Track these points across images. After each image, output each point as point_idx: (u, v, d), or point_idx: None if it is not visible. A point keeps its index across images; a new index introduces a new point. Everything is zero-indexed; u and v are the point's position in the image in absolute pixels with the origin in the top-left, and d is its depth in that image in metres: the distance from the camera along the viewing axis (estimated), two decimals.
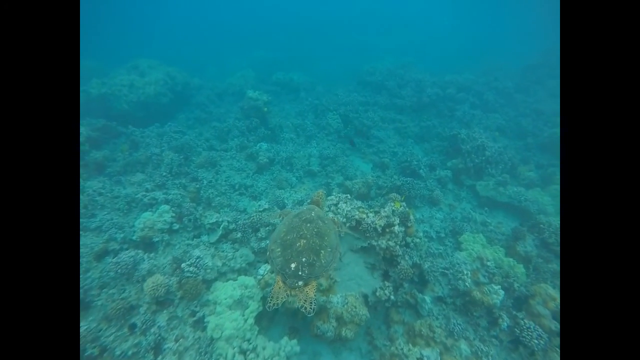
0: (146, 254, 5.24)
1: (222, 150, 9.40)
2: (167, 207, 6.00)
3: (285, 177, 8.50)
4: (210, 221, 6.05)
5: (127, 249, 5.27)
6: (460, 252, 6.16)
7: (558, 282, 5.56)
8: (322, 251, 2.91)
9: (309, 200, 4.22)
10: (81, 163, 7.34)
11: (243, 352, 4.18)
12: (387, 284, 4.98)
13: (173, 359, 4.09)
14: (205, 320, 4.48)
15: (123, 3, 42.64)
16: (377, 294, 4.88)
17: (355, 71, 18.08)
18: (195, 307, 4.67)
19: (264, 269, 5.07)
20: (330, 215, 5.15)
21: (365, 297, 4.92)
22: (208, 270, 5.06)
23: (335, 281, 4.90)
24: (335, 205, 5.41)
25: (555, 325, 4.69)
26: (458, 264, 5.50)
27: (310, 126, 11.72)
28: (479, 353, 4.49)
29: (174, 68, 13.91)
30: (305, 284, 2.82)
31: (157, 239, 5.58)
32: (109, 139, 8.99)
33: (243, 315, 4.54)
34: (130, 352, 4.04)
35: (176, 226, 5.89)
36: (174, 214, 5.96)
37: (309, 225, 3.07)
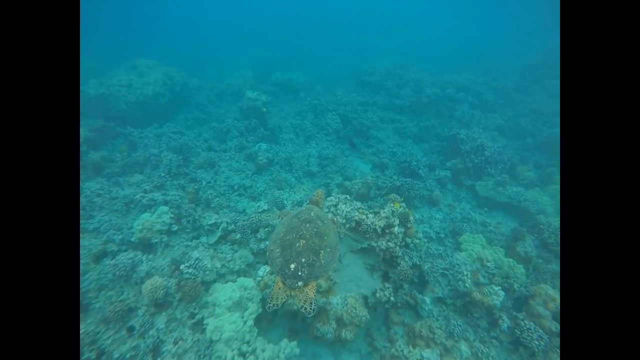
0: (145, 255, 5.22)
1: (221, 151, 9.37)
2: (165, 208, 5.97)
3: (285, 177, 8.48)
4: (209, 222, 6.02)
5: (125, 251, 5.24)
6: (460, 253, 6.15)
7: (558, 283, 5.56)
8: (322, 251, 2.91)
9: (308, 201, 4.20)
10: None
11: (242, 355, 4.15)
12: (387, 285, 4.96)
13: None
14: (204, 322, 4.46)
15: (122, 3, 42.55)
16: (377, 295, 4.86)
17: (354, 71, 18.05)
18: (194, 309, 4.65)
19: (263, 270, 5.04)
20: (330, 216, 5.13)
21: (365, 298, 4.90)
22: (207, 272, 5.03)
23: (335, 282, 4.88)
24: (335, 206, 5.39)
25: (556, 326, 4.69)
26: (458, 264, 5.49)
27: (310, 126, 11.69)
28: (480, 354, 4.48)
29: (173, 68, 13.86)
30: (305, 285, 2.82)
31: (155, 241, 5.54)
32: (107, 139, 8.95)
33: (242, 317, 4.52)
34: (128, 355, 4.01)
35: (175, 227, 5.86)
36: (172, 215, 5.93)
37: (308, 225, 3.06)
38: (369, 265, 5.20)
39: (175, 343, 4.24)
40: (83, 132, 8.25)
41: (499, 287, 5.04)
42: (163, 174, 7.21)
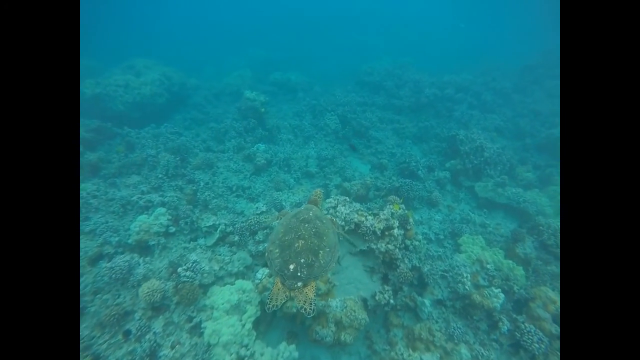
0: (142, 258, 5.15)
1: (219, 152, 9.31)
2: (163, 209, 5.91)
3: (283, 178, 8.43)
4: (207, 224, 5.96)
5: (122, 253, 5.18)
6: (460, 255, 6.13)
7: (558, 285, 5.54)
8: (321, 251, 2.88)
9: (307, 201, 4.16)
10: None
11: (241, 359, 4.11)
12: (386, 287, 4.93)
13: None
14: (202, 325, 4.40)
15: (121, 2, 42.31)
16: (377, 297, 4.82)
17: (353, 71, 18.02)
18: (192, 312, 4.59)
19: (262, 272, 5.00)
20: (329, 217, 5.09)
21: (364, 301, 4.86)
22: (205, 275, 4.98)
23: (334, 285, 4.85)
24: (334, 208, 5.34)
25: (556, 329, 4.67)
26: (457, 266, 5.47)
27: (308, 127, 11.65)
28: (480, 357, 4.45)
29: (171, 68, 13.77)
30: (305, 285, 2.79)
31: (153, 243, 5.49)
32: (103, 140, 8.86)
33: (241, 321, 4.47)
34: None
35: (172, 229, 5.80)
36: (170, 217, 5.87)
37: (306, 225, 3.04)
38: (369, 267, 5.17)
39: (172, 347, 4.18)
40: (79, 132, 8.16)
41: (499, 290, 5.02)
42: (160, 175, 7.15)
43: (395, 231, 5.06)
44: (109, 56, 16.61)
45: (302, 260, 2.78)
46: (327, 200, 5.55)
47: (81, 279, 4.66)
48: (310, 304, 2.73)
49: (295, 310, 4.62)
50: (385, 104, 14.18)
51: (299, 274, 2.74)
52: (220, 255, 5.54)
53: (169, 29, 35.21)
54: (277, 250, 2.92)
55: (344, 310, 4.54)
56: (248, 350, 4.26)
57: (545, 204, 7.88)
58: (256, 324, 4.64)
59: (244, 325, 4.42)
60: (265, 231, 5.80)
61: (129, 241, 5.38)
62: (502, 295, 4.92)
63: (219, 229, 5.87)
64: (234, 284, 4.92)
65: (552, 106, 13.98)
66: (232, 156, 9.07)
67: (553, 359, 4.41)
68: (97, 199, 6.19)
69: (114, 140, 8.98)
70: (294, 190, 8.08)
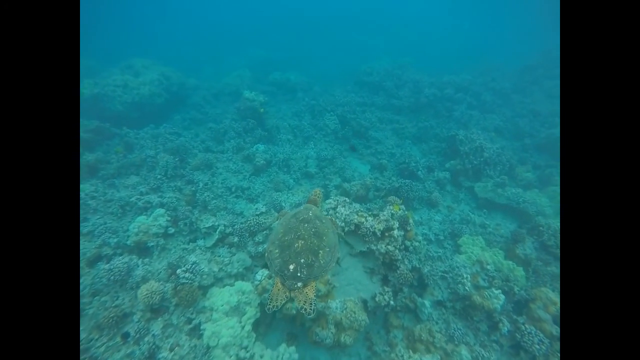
0: (140, 259, 5.13)
1: (218, 152, 9.28)
2: (162, 210, 5.88)
3: (283, 179, 8.41)
4: (207, 225, 5.94)
5: (120, 255, 5.15)
6: (460, 255, 6.12)
7: (558, 286, 5.53)
8: (321, 251, 2.88)
9: (306, 201, 4.15)
10: None
11: None
12: (386, 289, 4.91)
13: None
14: (202, 327, 4.38)
15: (121, 2, 42.18)
16: (377, 299, 4.80)
17: (353, 71, 18.00)
18: (191, 314, 4.57)
19: (262, 274, 4.97)
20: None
21: (364, 302, 4.84)
22: (204, 276, 4.95)
23: (334, 286, 4.82)
24: (334, 209, 5.32)
25: (557, 330, 4.65)
26: (457, 267, 5.45)
27: (308, 127, 11.62)
28: (480, 359, 4.44)
29: (169, 68, 13.73)
30: (305, 285, 2.80)
31: (152, 244, 5.46)
32: (102, 140, 8.82)
33: (240, 322, 4.45)
34: None
35: (171, 230, 5.78)
36: (169, 218, 5.84)
37: (306, 225, 3.03)
38: (369, 268, 5.15)
39: (171, 349, 4.15)
40: (79, 133, 8.13)
41: (500, 291, 5.00)
42: (159, 176, 7.12)
43: (395, 232, 5.04)
44: (106, 56, 16.56)
45: (302, 261, 2.78)
46: (327, 201, 5.53)
47: (79, 281, 4.62)
48: (311, 304, 2.74)
49: (294, 312, 4.60)
50: (384, 104, 14.17)
51: (298, 274, 2.74)
52: (219, 256, 5.51)
53: (168, 29, 35.14)
54: (276, 251, 2.91)
55: (344, 311, 4.52)
56: (248, 352, 4.24)
57: (545, 204, 7.88)
58: (256, 325, 4.62)
59: (243, 327, 4.40)
60: (264, 232, 5.77)
61: (128, 242, 5.36)
62: (502, 297, 4.91)
63: (218, 230, 5.84)
64: (234, 285, 4.90)
65: (551, 106, 13.99)
66: (231, 157, 9.04)
67: None
68: (96, 200, 6.16)
69: (113, 141, 8.95)
70: (294, 191, 8.06)
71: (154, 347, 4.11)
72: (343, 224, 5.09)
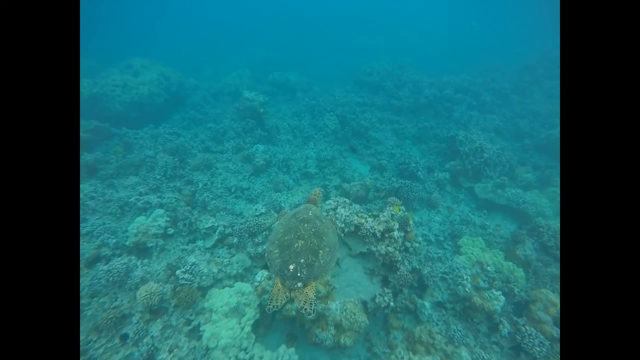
0: (139, 260, 5.11)
1: (217, 152, 9.25)
2: (161, 211, 5.86)
3: (282, 179, 8.39)
4: (206, 226, 5.92)
5: (119, 255, 5.12)
6: (460, 256, 6.10)
7: (558, 287, 5.52)
8: (321, 251, 2.88)
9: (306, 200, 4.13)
10: None
11: None
12: (386, 290, 4.89)
13: None
14: (201, 329, 4.36)
15: (121, 1, 42.09)
16: (377, 300, 4.79)
17: (353, 71, 17.97)
18: (190, 315, 4.55)
19: (261, 275, 4.96)
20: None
21: (364, 303, 4.83)
22: (203, 277, 4.93)
23: (334, 287, 4.81)
24: (334, 210, 5.31)
25: (557, 332, 4.64)
26: (457, 268, 5.44)
27: (307, 127, 11.60)
28: None
29: (169, 68, 13.68)
30: (305, 285, 2.80)
31: (151, 245, 5.44)
32: (101, 140, 8.79)
33: (239, 324, 4.44)
34: None
35: (171, 231, 5.75)
36: (168, 219, 5.82)
37: (306, 225, 3.03)
38: (368, 269, 5.13)
39: (170, 351, 4.14)
40: (79, 133, 8.09)
41: (500, 292, 4.99)
42: (159, 176, 7.09)
43: (396, 233, 5.02)
44: (105, 55, 16.51)
45: (302, 261, 2.78)
46: (327, 202, 5.51)
47: None
48: (311, 304, 2.74)
49: (294, 313, 4.59)
50: (384, 105, 14.15)
51: (298, 274, 2.74)
52: (219, 257, 5.49)
53: (167, 29, 35.07)
54: (276, 251, 2.91)
55: (344, 313, 4.50)
56: (247, 353, 4.22)
57: (545, 205, 7.87)
58: (255, 326, 4.61)
59: (243, 328, 4.39)
60: (264, 233, 5.75)
61: (127, 243, 5.33)
62: (502, 298, 4.90)
63: (217, 231, 5.82)
64: (233, 286, 4.88)
65: (551, 107, 13.99)
66: (230, 157, 9.01)
67: None
68: (95, 201, 6.13)
69: (112, 141, 8.91)
70: (293, 191, 8.04)
71: (152, 348, 4.09)
72: (343, 225, 5.07)
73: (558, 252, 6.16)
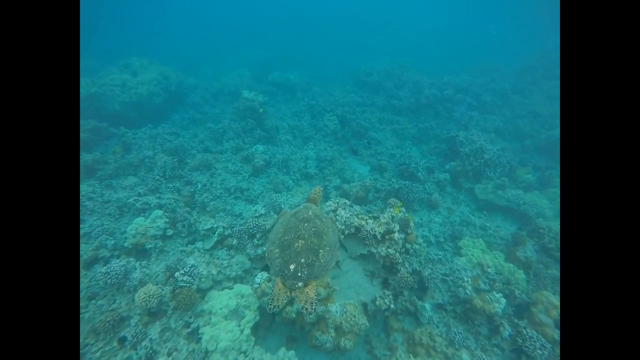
0: (138, 262, 5.06)
1: (217, 152, 9.20)
2: (160, 212, 5.82)
3: (282, 180, 8.35)
4: (205, 227, 5.88)
5: (118, 257, 5.08)
6: (460, 258, 6.07)
7: (559, 289, 5.50)
8: (321, 251, 2.86)
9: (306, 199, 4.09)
10: None
11: None
12: (386, 292, 4.86)
13: None
14: (200, 331, 4.32)
15: (120, 1, 41.95)
16: (377, 302, 4.76)
17: (353, 71, 17.94)
18: (190, 317, 4.50)
19: (261, 277, 4.92)
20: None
21: (364, 305, 4.80)
22: (203, 279, 4.89)
23: (334, 289, 4.78)
24: (334, 211, 5.27)
25: (558, 335, 4.62)
26: (458, 270, 5.41)
27: (307, 127, 11.56)
28: None
29: (168, 67, 13.61)
30: (305, 285, 2.78)
31: (149, 246, 5.40)
32: (99, 140, 8.74)
33: (239, 326, 4.40)
34: None
35: (170, 232, 5.71)
36: (167, 220, 5.78)
37: (306, 224, 3.00)
38: (369, 271, 5.10)
39: (169, 354, 4.10)
40: (79, 133, 8.04)
41: (501, 295, 4.97)
42: (158, 177, 7.04)
43: (396, 235, 5.00)
44: (104, 54, 16.44)
45: (303, 260, 2.76)
46: (327, 204, 5.47)
47: None
48: (312, 303, 2.73)
49: (294, 315, 4.56)
50: (384, 105, 14.12)
51: (299, 274, 2.73)
52: (218, 259, 5.45)
53: (167, 28, 34.99)
54: (277, 250, 2.90)
55: (344, 315, 4.48)
56: (247, 356, 4.19)
57: (545, 206, 7.85)
58: (255, 329, 4.57)
59: (242, 331, 4.35)
60: (263, 234, 5.72)
61: (125, 244, 5.29)
62: (503, 300, 4.87)
63: (217, 232, 5.78)
64: (232, 288, 4.85)
65: (551, 107, 13.99)
66: (230, 157, 8.96)
67: None
68: (93, 201, 6.08)
69: (110, 141, 8.86)
70: (293, 192, 8.00)
71: (151, 351, 4.05)
72: (343, 226, 5.03)
73: (559, 254, 6.14)
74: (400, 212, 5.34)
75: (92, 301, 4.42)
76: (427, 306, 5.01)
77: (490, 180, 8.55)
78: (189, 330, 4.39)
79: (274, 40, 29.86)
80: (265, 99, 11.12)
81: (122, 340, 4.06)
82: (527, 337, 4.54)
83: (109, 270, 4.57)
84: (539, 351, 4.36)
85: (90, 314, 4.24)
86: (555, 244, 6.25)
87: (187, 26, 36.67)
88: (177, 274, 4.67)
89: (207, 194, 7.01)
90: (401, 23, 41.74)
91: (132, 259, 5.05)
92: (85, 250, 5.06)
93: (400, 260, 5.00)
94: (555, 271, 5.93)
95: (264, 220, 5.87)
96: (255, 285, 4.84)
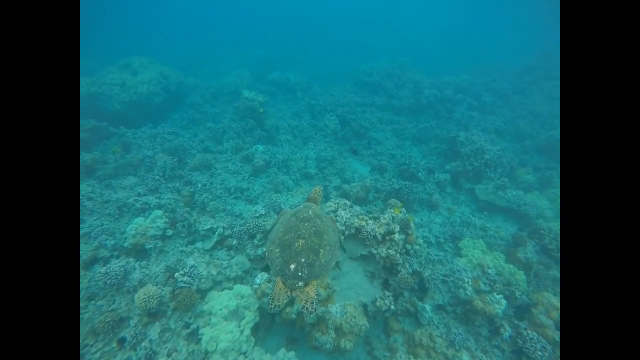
0: (138, 262, 5.05)
1: (217, 152, 9.18)
2: (160, 212, 5.80)
3: (282, 180, 8.33)
4: (205, 227, 5.86)
5: (117, 257, 5.07)
6: (460, 259, 6.06)
7: (559, 290, 5.49)
8: (321, 250, 2.86)
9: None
10: None
11: None
12: (387, 293, 4.85)
13: None
14: (200, 332, 4.31)
15: (120, 1, 41.86)
16: (377, 303, 4.75)
17: (353, 71, 17.91)
18: (189, 318, 4.49)
19: (261, 277, 4.91)
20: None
21: (364, 306, 4.79)
22: (202, 280, 4.88)
23: (334, 290, 4.77)
24: (334, 212, 5.26)
25: (559, 336, 4.61)
26: (458, 271, 5.40)
27: (307, 127, 11.55)
28: None
29: (168, 67, 13.59)
30: (306, 284, 2.79)
31: (149, 246, 5.38)
32: (99, 140, 8.71)
33: (239, 327, 4.39)
34: None
35: (169, 232, 5.70)
36: (167, 220, 5.76)
37: (306, 224, 3.01)
38: (369, 272, 5.09)
39: (169, 355, 4.08)
40: (79, 133, 8.02)
41: (501, 296, 4.96)
42: (157, 177, 7.03)
43: (397, 236, 4.99)
44: (104, 54, 16.41)
45: (303, 260, 2.76)
46: (327, 204, 5.46)
47: None
48: (312, 303, 2.73)
49: (294, 316, 4.54)
50: (384, 105, 14.11)
51: (300, 273, 2.73)
52: (218, 259, 5.44)
53: (167, 28, 34.94)
54: (277, 250, 2.90)
55: (344, 316, 4.46)
56: (247, 357, 4.18)
57: (545, 206, 7.84)
58: (255, 330, 4.56)
59: (242, 332, 4.34)
60: (263, 235, 5.70)
61: (125, 245, 5.27)
62: (504, 301, 4.87)
63: (217, 232, 5.77)
64: (232, 289, 4.84)
65: (551, 108, 13.98)
66: (230, 157, 8.95)
67: None
68: (92, 201, 6.06)
69: (110, 141, 8.83)
70: (293, 192, 7.99)
71: (151, 352, 4.04)
72: (344, 227, 5.02)
73: (559, 255, 6.13)
74: (400, 212, 5.33)
75: (91, 302, 4.40)
76: (428, 307, 5.00)
77: (490, 181, 8.54)
78: (188, 331, 4.38)
79: (274, 40, 29.83)
80: (265, 99, 11.10)
81: (122, 341, 4.05)
82: (527, 338, 4.53)
83: (108, 271, 4.56)
84: (540, 352, 4.35)
85: (89, 315, 4.22)
86: (555, 245, 6.24)
87: (187, 26, 36.64)
88: (176, 274, 4.66)
89: (207, 194, 7.00)
90: (401, 23, 41.74)
91: (131, 259, 5.04)
92: (85, 250, 5.04)
93: (401, 261, 4.99)
94: (556, 272, 5.92)
95: (264, 221, 5.86)
96: (255, 286, 4.83)
